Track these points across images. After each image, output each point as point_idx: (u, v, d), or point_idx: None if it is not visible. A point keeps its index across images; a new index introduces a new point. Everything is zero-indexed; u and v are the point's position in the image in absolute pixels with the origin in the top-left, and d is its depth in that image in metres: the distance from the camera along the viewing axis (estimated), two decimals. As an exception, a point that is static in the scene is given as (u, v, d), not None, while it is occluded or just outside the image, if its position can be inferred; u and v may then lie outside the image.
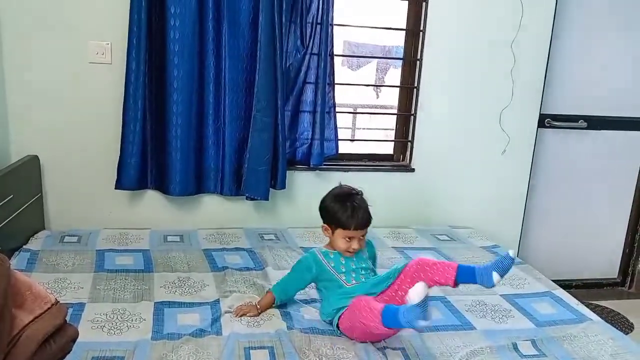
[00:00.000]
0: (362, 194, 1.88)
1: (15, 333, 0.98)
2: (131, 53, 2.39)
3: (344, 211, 1.81)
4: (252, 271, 2.21)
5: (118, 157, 2.51)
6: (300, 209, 2.84)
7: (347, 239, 1.82)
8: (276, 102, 2.56)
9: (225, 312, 1.86)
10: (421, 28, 2.83)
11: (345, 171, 2.87)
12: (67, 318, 1.14)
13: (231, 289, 2.04)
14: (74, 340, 1.13)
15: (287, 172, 2.71)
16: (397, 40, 2.97)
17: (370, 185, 2.89)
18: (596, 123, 3.19)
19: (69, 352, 1.13)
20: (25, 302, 1.07)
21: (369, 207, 1.85)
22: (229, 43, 2.50)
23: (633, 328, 2.97)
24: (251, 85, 2.55)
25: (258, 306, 1.86)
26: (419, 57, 2.86)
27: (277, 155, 2.63)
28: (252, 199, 2.69)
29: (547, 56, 2.94)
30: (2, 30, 2.38)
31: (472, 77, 2.89)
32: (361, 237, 1.84)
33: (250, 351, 1.65)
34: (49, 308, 1.08)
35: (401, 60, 2.97)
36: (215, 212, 2.75)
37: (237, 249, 2.45)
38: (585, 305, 2.13)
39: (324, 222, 1.89)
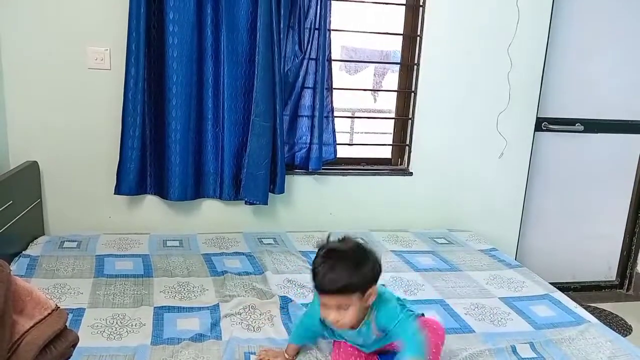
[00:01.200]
0: (355, 251, 1.45)
1: (16, 339, 0.99)
2: (130, 59, 2.40)
3: (314, 266, 1.44)
4: (251, 275, 2.22)
5: (117, 163, 2.52)
6: (299, 214, 2.85)
7: (323, 304, 1.45)
8: (274, 107, 2.57)
9: (225, 316, 1.87)
10: (418, 33, 2.85)
11: (343, 175, 2.88)
12: (67, 323, 1.14)
13: (231, 293, 2.04)
14: (74, 345, 1.14)
15: (286, 176, 2.72)
16: (395, 45, 2.99)
17: (369, 189, 2.94)
18: (593, 126, 3.21)
19: (69, 358, 1.14)
20: (26, 308, 1.07)
21: (357, 270, 1.41)
22: (227, 48, 2.51)
23: (631, 330, 2.97)
24: (250, 90, 2.57)
25: (286, 355, 1.63)
26: (416, 61, 2.87)
27: (276, 159, 2.64)
28: (251, 204, 2.70)
29: (543, 60, 2.96)
30: (1, 36, 2.39)
31: (469, 81, 2.90)
32: (340, 308, 1.42)
33: (251, 356, 1.65)
34: (49, 314, 1.09)
35: (398, 65, 2.98)
36: (215, 216, 2.76)
37: (236, 253, 2.46)
38: (584, 308, 2.14)
39: None
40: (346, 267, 1.40)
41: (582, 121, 3.19)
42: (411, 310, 1.63)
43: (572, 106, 3.17)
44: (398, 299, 1.64)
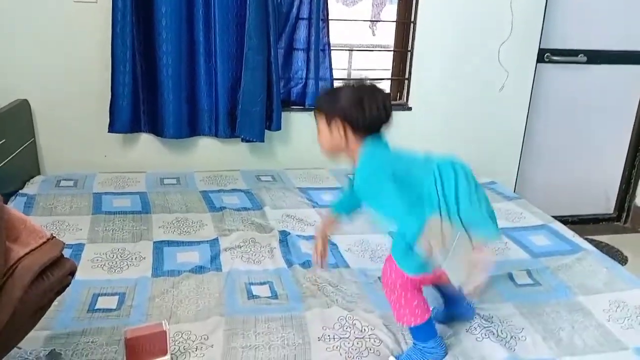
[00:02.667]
0: (353, 84, 1.44)
1: (10, 264, 0.98)
2: (117, -10, 2.31)
3: None
4: (250, 211, 2.22)
5: (109, 100, 2.46)
6: (296, 150, 2.82)
7: None
8: (268, 40, 2.49)
9: (225, 250, 1.88)
10: (418, -41, 2.73)
11: (341, 111, 2.83)
12: (65, 255, 1.14)
13: (230, 227, 2.05)
14: (72, 273, 1.13)
15: (282, 112, 2.67)
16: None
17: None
18: (596, 57, 3.13)
19: (67, 285, 1.14)
20: (20, 236, 1.06)
21: (332, 94, 1.43)
22: (217, -23, 2.41)
23: (627, 261, 3.02)
24: (242, 22, 2.47)
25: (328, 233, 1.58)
26: (415, -10, 2.77)
27: (272, 95, 2.58)
28: (247, 141, 2.67)
29: (548, -13, 2.85)
30: (-19, -31, 2.29)
31: (470, 12, 2.80)
32: (318, 127, 1.45)
33: (252, 286, 1.67)
34: (44, 242, 1.08)
35: (397, -6, 2.87)
36: (211, 154, 2.73)
37: (234, 190, 2.45)
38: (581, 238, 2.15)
39: None
40: (331, 90, 1.47)
41: (585, 52, 3.11)
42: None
43: (575, 36, 3.08)
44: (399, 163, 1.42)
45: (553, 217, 2.38)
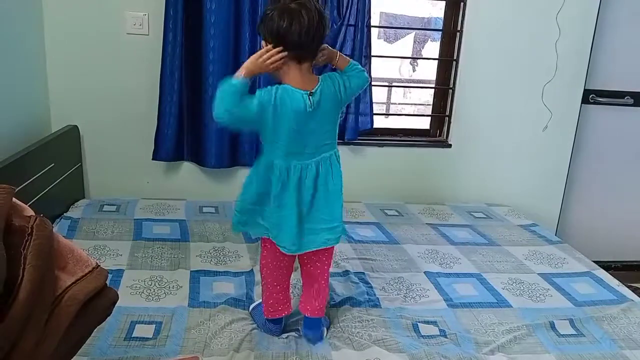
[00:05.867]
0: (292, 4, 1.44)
1: (58, 294, 1.01)
2: (168, 24, 2.40)
3: None
4: (285, 243, 2.22)
5: (155, 128, 2.53)
6: (334, 183, 2.82)
7: None
8: (312, 75, 2.52)
9: (258, 283, 1.87)
10: (462, -2, 2.74)
11: (380, 146, 2.84)
12: (107, 282, 1.16)
13: (265, 260, 2.05)
14: (114, 303, 1.15)
15: (322, 145, 2.68)
16: (437, 11, 2.89)
17: (405, 161, 2.88)
18: (644, 99, 3.06)
19: (109, 315, 1.15)
20: (68, 265, 1.09)
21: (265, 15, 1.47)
22: (265, 14, 2.47)
23: (675, 312, 2.87)
24: (287, 58, 2.52)
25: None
26: (459, 28, 2.77)
27: (312, 128, 2.60)
28: (286, 172, 2.69)
29: (593, 28, 2.82)
30: (43, 3, 2.41)
31: (514, 50, 2.79)
32: None
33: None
34: (90, 271, 1.10)
35: (440, 32, 2.88)
36: (250, 184, 2.76)
37: (271, 221, 2.46)
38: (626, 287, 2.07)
39: None
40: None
41: (631, 94, 3.04)
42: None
43: (621, 78, 3.02)
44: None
45: (595, 261, 2.30)
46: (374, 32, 2.81)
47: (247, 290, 1.84)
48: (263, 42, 1.49)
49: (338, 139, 2.35)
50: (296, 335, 1.62)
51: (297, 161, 1.50)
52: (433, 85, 2.96)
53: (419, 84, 3.91)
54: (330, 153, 1.55)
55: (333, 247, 1.61)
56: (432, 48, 3.02)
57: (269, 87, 1.48)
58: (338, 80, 1.54)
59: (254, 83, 1.88)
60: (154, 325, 1.60)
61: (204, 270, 1.95)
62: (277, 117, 1.46)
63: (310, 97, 1.46)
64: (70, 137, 2.49)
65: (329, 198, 1.53)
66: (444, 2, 2.81)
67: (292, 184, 1.50)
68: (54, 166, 2.24)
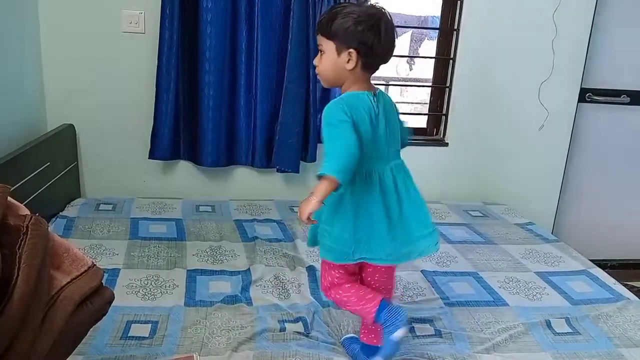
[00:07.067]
0: (357, 7, 1.37)
1: (53, 293, 1.00)
2: (164, 22, 2.39)
3: None
4: (281, 242, 2.22)
5: (151, 127, 2.53)
6: (330, 182, 2.82)
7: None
8: (308, 74, 2.52)
9: (255, 282, 1.88)
10: (459, -4, 2.74)
11: (377, 144, 2.83)
12: (103, 282, 1.16)
13: (261, 259, 2.05)
14: (110, 302, 1.15)
15: (318, 145, 2.68)
16: (433, 10, 2.89)
17: (402, 159, 2.87)
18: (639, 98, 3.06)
19: (104, 314, 1.15)
20: (63, 264, 1.09)
21: (340, 17, 1.34)
22: (261, 12, 2.46)
23: (671, 310, 2.88)
24: (283, 56, 2.52)
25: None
26: (456, 26, 2.77)
27: (308, 127, 2.61)
28: (282, 171, 2.69)
29: (590, 27, 2.82)
30: (39, 1, 2.40)
31: (511, 49, 2.79)
32: (320, 52, 1.42)
33: (286, 323, 1.66)
34: (85, 270, 1.10)
35: (437, 31, 2.89)
36: (247, 183, 2.76)
37: (267, 220, 2.46)
38: (622, 285, 2.07)
39: None
40: (336, 12, 1.36)
41: (628, 92, 3.05)
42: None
43: (618, 77, 3.02)
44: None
45: (591, 260, 2.31)
46: (371, 30, 2.81)
47: (243, 288, 1.83)
48: (324, 43, 1.38)
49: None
50: (299, 335, 1.61)
51: (379, 166, 1.42)
52: (430, 84, 2.96)
53: (416, 83, 3.91)
54: (402, 160, 1.49)
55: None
56: (429, 46, 3.02)
57: (338, 102, 1.37)
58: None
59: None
60: (150, 325, 1.59)
61: (201, 269, 1.95)
62: (359, 122, 1.37)
63: (374, 97, 1.41)
64: (66, 136, 2.49)
65: (415, 204, 1.46)
66: (440, 1, 2.81)
67: (377, 190, 1.41)
68: (49, 165, 2.23)
